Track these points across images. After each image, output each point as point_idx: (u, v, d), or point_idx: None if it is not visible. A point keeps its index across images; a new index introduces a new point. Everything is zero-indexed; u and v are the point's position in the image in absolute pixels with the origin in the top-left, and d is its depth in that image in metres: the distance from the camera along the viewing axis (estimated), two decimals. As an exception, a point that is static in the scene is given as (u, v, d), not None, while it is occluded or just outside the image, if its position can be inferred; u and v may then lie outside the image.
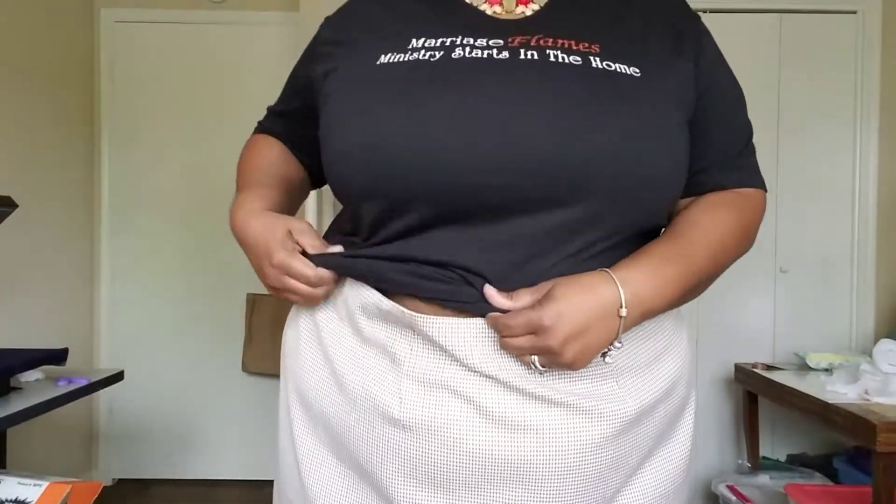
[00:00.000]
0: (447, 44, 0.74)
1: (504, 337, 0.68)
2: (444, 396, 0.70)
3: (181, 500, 3.08)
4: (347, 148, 0.72)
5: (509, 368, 0.69)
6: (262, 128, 0.99)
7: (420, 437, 0.70)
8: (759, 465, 2.73)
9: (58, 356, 1.86)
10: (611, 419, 0.70)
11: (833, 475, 2.59)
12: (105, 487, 3.03)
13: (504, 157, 0.67)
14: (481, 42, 0.74)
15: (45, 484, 1.41)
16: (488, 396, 0.69)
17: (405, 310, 0.71)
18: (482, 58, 0.72)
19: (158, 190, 3.28)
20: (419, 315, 0.70)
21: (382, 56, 0.74)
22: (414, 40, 0.75)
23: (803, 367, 2.59)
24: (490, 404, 0.69)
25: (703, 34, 0.82)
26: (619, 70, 0.72)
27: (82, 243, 3.18)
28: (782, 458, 2.88)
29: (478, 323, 0.70)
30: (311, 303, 0.78)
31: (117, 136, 3.27)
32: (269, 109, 1.00)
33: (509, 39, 0.74)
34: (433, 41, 0.75)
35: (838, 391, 2.12)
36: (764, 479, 2.53)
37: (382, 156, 0.69)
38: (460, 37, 0.75)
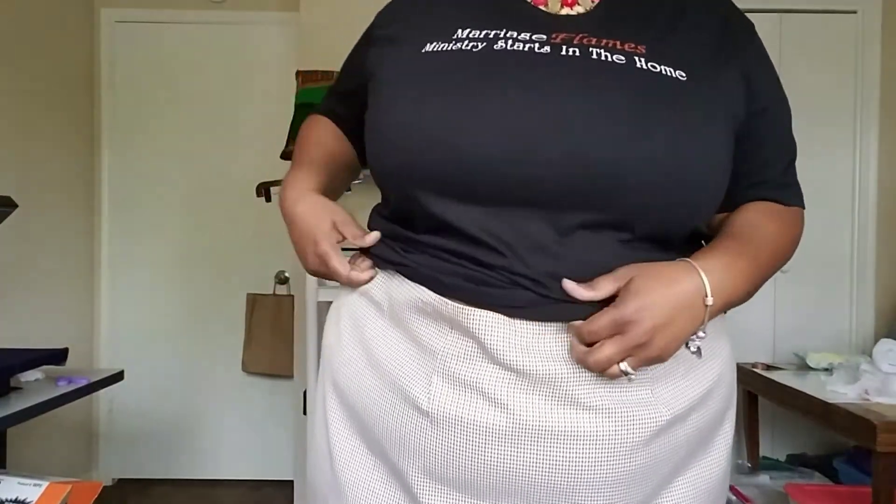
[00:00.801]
0: (490, 36, 0.75)
1: (588, 339, 0.67)
2: (474, 396, 0.70)
3: (181, 500, 3.08)
4: (387, 131, 0.75)
5: (545, 371, 0.68)
6: (319, 110, 1.02)
7: (445, 433, 0.70)
8: (759, 464, 2.73)
9: (58, 356, 1.86)
10: (642, 424, 0.69)
11: (833, 475, 2.59)
12: (105, 487, 3.03)
13: (539, 150, 0.67)
14: (524, 36, 0.74)
15: (45, 484, 1.41)
16: (519, 399, 0.69)
17: (449, 301, 0.71)
18: (523, 51, 0.73)
19: (158, 190, 3.28)
20: (462, 307, 0.70)
21: (428, 44, 0.77)
22: (459, 30, 0.77)
23: (803, 367, 2.59)
24: (519, 407, 0.68)
25: (758, 49, 0.81)
26: (664, 72, 0.71)
27: (82, 243, 3.18)
28: (782, 458, 2.88)
29: (523, 325, 0.69)
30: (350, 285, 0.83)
31: (117, 136, 3.27)
32: (328, 91, 1.03)
33: (552, 35, 0.75)
34: (477, 32, 0.76)
35: (838, 391, 2.12)
36: (764, 479, 2.53)
37: (418, 141, 0.71)
38: (504, 29, 0.76)
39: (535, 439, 0.68)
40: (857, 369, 2.21)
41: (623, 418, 0.69)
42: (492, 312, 0.69)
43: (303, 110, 2.46)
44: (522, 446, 0.68)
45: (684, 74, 0.72)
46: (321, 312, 2.55)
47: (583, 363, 0.67)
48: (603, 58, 0.72)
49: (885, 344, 2.25)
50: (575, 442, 0.68)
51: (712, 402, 0.76)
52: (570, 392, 0.68)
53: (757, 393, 2.66)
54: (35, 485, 1.41)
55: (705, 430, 0.76)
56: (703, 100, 0.72)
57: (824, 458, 2.75)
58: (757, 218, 0.79)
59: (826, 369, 2.48)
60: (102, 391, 2.29)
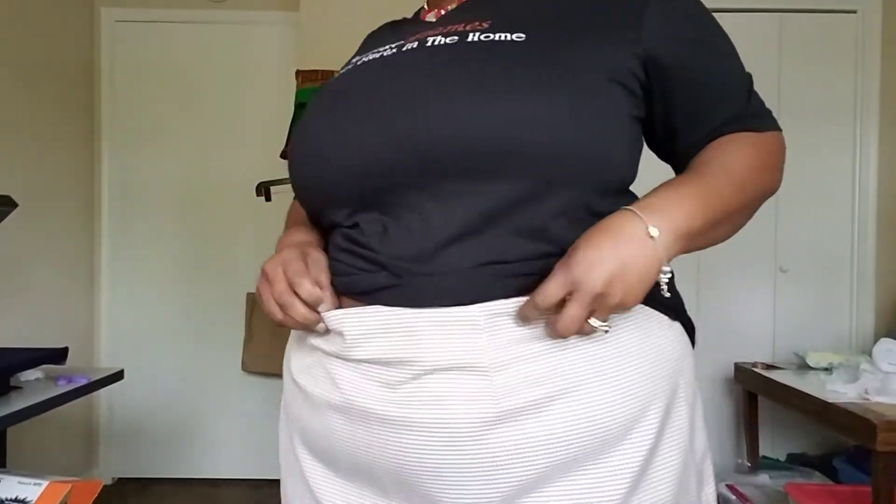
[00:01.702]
0: (362, 57, 0.82)
1: (545, 306, 0.64)
2: (322, 374, 0.75)
3: (181, 500, 3.08)
4: (289, 160, 0.84)
5: (378, 357, 0.70)
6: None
7: (309, 402, 0.77)
8: (758, 464, 2.73)
9: (58, 355, 1.86)
10: (466, 415, 0.67)
11: (833, 475, 2.59)
12: (105, 487, 3.03)
13: (372, 145, 0.71)
14: (385, 47, 0.80)
15: (45, 483, 1.41)
16: (352, 381, 0.72)
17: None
18: (375, 59, 0.79)
19: (158, 189, 3.28)
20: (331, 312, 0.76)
21: (333, 83, 0.84)
22: (354, 61, 0.85)
23: (803, 367, 2.59)
24: (352, 389, 0.71)
25: (657, 6, 0.75)
26: (498, 38, 0.72)
27: (82, 243, 3.18)
28: (782, 458, 2.89)
29: (366, 309, 0.71)
30: (273, 313, 0.77)
31: (117, 136, 3.27)
32: None
33: (408, 39, 0.79)
34: (357, 58, 0.84)
35: (838, 391, 2.12)
36: (764, 478, 2.53)
37: (295, 161, 0.81)
38: (376, 48, 0.82)
39: (365, 420, 0.71)
40: (857, 369, 2.22)
41: (445, 408, 0.67)
42: (346, 298, 0.74)
43: (303, 110, 2.46)
44: (354, 425, 0.72)
45: (523, 35, 0.72)
46: (321, 312, 2.55)
47: (554, 335, 0.66)
48: (437, 43, 0.75)
49: (885, 344, 2.25)
50: (397, 427, 0.69)
51: (588, 403, 0.68)
52: (395, 378, 0.69)
53: (757, 392, 2.66)
54: (35, 484, 1.41)
55: (596, 437, 0.68)
56: (547, 55, 0.70)
57: (824, 458, 2.75)
58: (714, 150, 0.76)
59: (826, 369, 2.48)
60: (102, 391, 2.29)
